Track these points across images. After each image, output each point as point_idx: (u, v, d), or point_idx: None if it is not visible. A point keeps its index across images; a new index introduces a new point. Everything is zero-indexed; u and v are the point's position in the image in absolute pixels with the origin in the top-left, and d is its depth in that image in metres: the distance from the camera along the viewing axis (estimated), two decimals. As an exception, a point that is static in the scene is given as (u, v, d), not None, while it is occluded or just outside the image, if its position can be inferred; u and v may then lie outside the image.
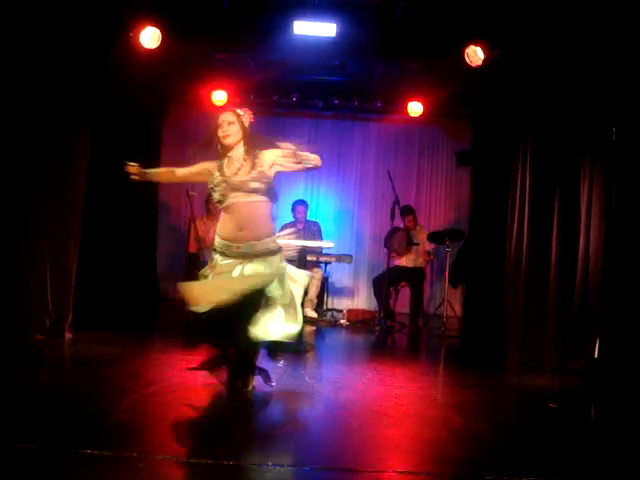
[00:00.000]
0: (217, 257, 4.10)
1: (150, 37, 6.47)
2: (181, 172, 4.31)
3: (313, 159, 4.03)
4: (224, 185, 4.04)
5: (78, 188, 6.12)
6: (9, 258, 5.81)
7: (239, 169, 4.07)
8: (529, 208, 5.98)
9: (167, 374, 4.32)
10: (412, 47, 6.94)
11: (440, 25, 6.60)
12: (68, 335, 5.96)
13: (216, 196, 4.08)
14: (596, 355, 5.54)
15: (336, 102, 9.32)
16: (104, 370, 4.79)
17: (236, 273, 4.00)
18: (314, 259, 8.54)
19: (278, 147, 4.11)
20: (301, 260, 8.40)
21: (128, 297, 7.55)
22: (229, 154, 4.15)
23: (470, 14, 6.42)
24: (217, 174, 4.10)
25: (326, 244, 8.71)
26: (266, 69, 8.19)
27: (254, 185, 4.01)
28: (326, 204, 9.95)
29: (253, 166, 4.05)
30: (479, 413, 4.22)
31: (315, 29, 6.75)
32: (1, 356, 5.11)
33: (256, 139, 4.17)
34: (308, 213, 9.07)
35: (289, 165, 4.07)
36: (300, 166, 4.04)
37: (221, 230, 4.10)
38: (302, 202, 9.02)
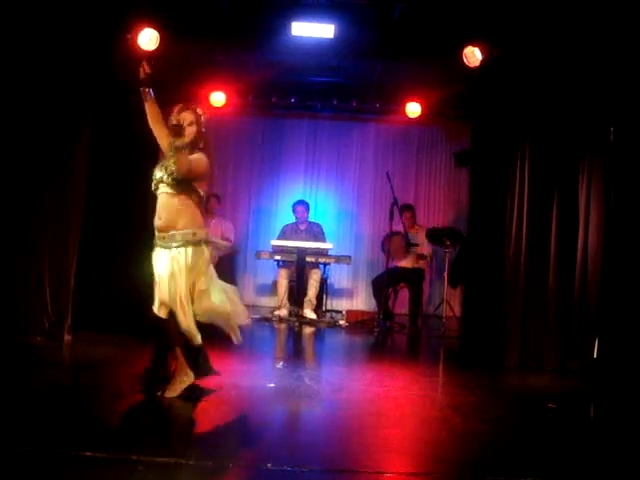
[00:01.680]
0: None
1: (148, 38, 6.47)
2: (159, 128, 4.27)
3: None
4: (158, 176, 4.13)
5: (78, 189, 6.11)
6: (8, 259, 5.81)
7: (170, 162, 4.11)
8: (528, 208, 5.98)
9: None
10: (410, 48, 6.93)
11: (438, 26, 6.60)
12: (67, 337, 5.95)
13: (153, 184, 4.17)
14: (595, 355, 5.54)
15: (334, 103, 9.31)
16: (103, 372, 4.79)
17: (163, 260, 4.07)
18: (313, 260, 8.55)
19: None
20: (300, 261, 8.42)
21: (127, 298, 7.53)
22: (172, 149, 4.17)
23: (468, 15, 6.41)
24: (160, 164, 4.20)
25: (325, 245, 8.72)
26: (264, 70, 8.18)
27: (165, 177, 4.08)
28: (325, 205, 9.94)
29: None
30: (478, 413, 4.22)
31: (313, 30, 6.74)
32: (0, 358, 5.11)
33: (200, 141, 4.21)
34: (309, 214, 9.06)
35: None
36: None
37: (154, 221, 4.18)
38: (301, 202, 9.02)
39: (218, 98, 8.95)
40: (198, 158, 4.13)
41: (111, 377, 4.64)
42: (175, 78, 8.14)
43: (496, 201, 6.72)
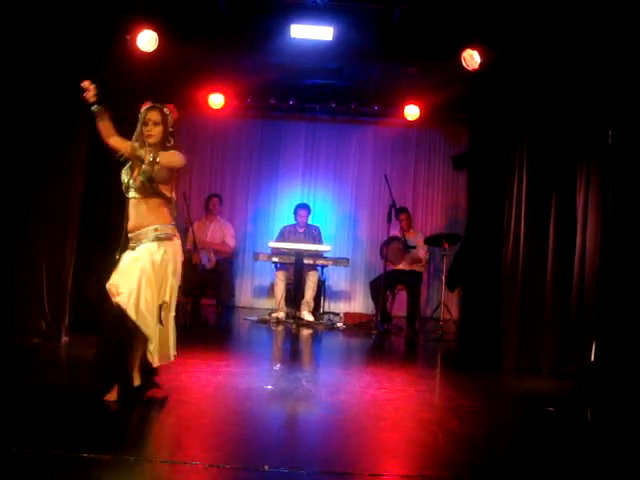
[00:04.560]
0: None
1: (147, 40, 6.48)
2: (116, 139, 4.27)
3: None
4: (125, 181, 4.11)
5: (75, 190, 6.11)
6: (5, 260, 5.80)
7: (138, 169, 4.07)
8: (526, 211, 5.99)
9: (163, 377, 4.30)
10: (409, 51, 6.94)
11: (437, 29, 6.61)
12: (64, 338, 5.95)
13: (123, 187, 4.14)
14: (592, 358, 5.54)
15: (333, 105, 9.33)
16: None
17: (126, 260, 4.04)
18: (311, 262, 8.55)
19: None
20: (298, 263, 8.41)
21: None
22: (145, 147, 4.13)
23: (466, 18, 6.43)
24: (127, 167, 4.14)
25: (323, 247, 8.72)
26: (263, 72, 8.20)
27: (132, 183, 4.06)
28: (323, 207, 9.95)
29: (141, 165, 4.06)
30: (476, 416, 4.22)
31: (312, 33, 6.75)
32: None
33: (165, 140, 4.15)
34: (310, 217, 9.08)
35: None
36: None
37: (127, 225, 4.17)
38: (304, 206, 9.03)
39: (217, 100, 8.96)
40: (173, 154, 4.10)
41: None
42: (174, 80, 8.16)
43: (494, 204, 6.73)
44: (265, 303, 9.74)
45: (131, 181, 4.06)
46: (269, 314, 8.53)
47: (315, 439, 3.70)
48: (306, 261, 8.48)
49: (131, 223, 4.09)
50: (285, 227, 9.05)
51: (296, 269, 8.42)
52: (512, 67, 6.37)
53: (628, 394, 5.08)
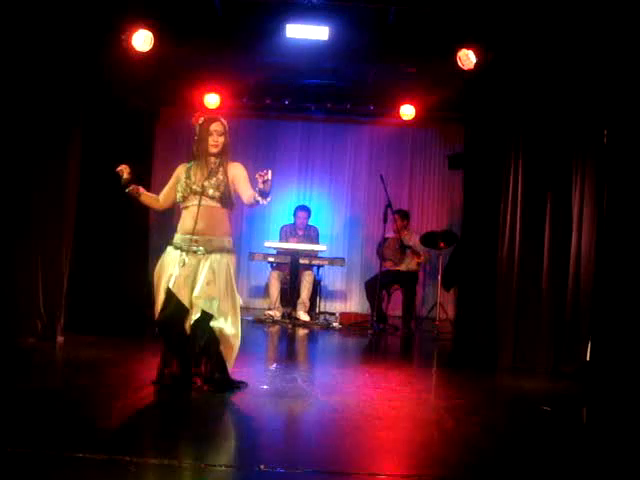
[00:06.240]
0: (172, 252, 4.27)
1: (142, 40, 6.46)
2: (162, 195, 4.47)
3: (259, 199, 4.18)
4: (187, 188, 4.28)
5: (70, 190, 6.10)
6: (1, 259, 5.78)
7: (204, 176, 4.27)
8: (521, 211, 5.99)
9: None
10: (405, 50, 6.94)
11: (432, 29, 6.61)
12: (60, 338, 5.94)
13: (178, 196, 4.33)
14: (588, 358, 5.55)
15: (329, 105, 9.31)
16: (96, 374, 4.78)
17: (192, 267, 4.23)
18: (306, 262, 8.55)
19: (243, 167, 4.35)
20: (294, 263, 8.41)
21: (120, 300, 7.53)
22: (203, 158, 4.33)
23: (462, 18, 6.43)
24: (184, 175, 4.33)
25: (318, 247, 8.71)
26: (258, 72, 8.19)
27: (212, 192, 4.25)
28: (319, 207, 9.94)
29: (217, 175, 4.29)
30: (471, 416, 4.22)
31: (308, 32, 6.74)
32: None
33: (229, 150, 4.38)
34: (310, 219, 9.08)
35: (242, 190, 4.33)
36: (251, 200, 4.25)
37: (180, 227, 4.32)
38: (304, 208, 9.04)
39: (212, 100, 8.94)
40: (240, 171, 4.35)
41: (103, 378, 4.62)
42: (169, 79, 8.15)
43: (489, 203, 6.73)
44: (261, 303, 9.73)
45: (211, 190, 4.23)
46: (264, 314, 8.52)
47: (311, 438, 3.70)
48: (302, 261, 8.47)
49: (201, 227, 4.22)
50: (284, 227, 9.05)
51: (292, 269, 8.41)
52: (508, 67, 6.37)
53: (624, 393, 5.09)
